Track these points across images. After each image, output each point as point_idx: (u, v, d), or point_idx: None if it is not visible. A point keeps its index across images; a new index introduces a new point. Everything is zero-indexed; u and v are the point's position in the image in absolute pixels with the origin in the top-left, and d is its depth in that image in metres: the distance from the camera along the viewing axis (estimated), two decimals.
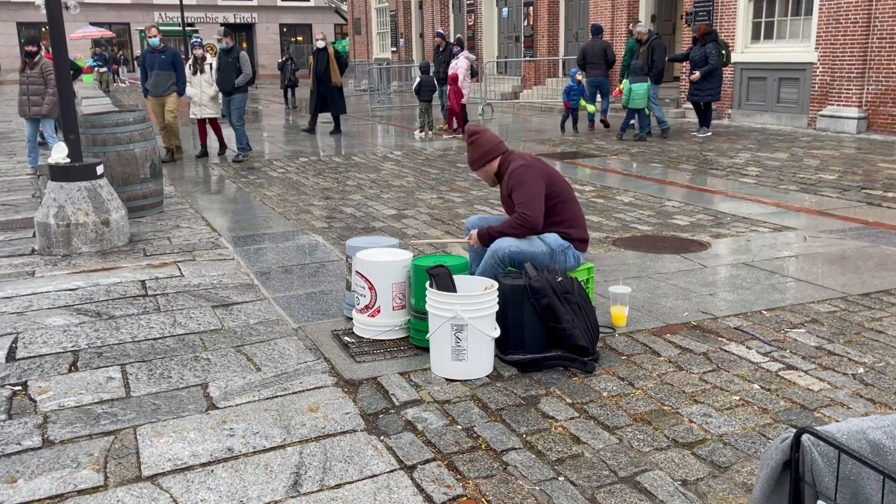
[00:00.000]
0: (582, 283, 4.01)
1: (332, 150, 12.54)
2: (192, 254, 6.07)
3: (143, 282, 5.35)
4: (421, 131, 14.07)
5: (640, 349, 3.98)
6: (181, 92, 11.06)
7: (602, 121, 14.54)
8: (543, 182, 4.09)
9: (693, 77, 12.61)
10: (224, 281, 5.34)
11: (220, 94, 11.43)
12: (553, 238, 4.16)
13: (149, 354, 4.05)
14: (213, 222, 7.23)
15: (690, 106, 14.16)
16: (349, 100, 23.56)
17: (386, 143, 13.58)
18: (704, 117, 12.97)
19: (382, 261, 4.06)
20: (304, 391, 3.56)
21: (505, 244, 4.08)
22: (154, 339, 4.28)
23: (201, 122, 11.68)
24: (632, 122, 12.72)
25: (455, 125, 14.23)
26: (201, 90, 11.43)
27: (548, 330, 3.78)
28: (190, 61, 11.47)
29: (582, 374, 3.69)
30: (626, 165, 10.16)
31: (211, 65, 11.40)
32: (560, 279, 3.79)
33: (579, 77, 13.63)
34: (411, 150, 12.36)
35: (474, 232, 4.26)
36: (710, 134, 12.86)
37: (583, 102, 13.69)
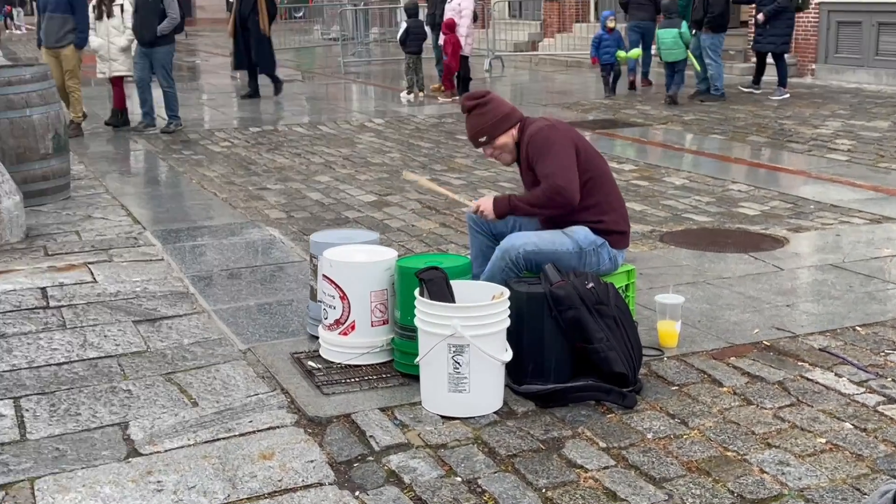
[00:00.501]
0: (620, 291, 4.03)
1: (294, 117, 12.62)
2: (109, 252, 6.09)
3: (43, 289, 5.34)
4: (409, 93, 14.13)
5: (695, 377, 3.99)
6: (80, 43, 10.65)
7: (644, 79, 14.53)
8: (573, 148, 4.13)
9: (757, 19, 12.66)
10: (150, 288, 5.35)
11: (135, 45, 11.17)
12: (582, 233, 4.16)
13: (51, 385, 4.04)
14: (135, 211, 7.23)
15: None
16: (315, 51, 23.59)
17: (363, 108, 13.62)
18: (778, 73, 13.00)
19: (358, 262, 4.06)
20: (254, 432, 3.55)
21: (519, 241, 4.09)
22: (58, 364, 4.26)
23: (116, 81, 11.54)
24: (683, 81, 12.71)
25: (455, 85, 14.21)
26: (108, 40, 11.20)
27: (575, 352, 3.79)
28: (93, 2, 11.22)
29: (619, 409, 3.69)
30: (677, 137, 10.15)
31: (122, 6, 11.16)
32: (591, 285, 3.79)
33: (611, 24, 13.52)
34: (396, 117, 12.40)
35: (485, 199, 4.24)
36: (787, 96, 12.89)
37: (621, 53, 13.55)
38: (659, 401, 3.77)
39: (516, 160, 4.34)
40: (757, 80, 13.50)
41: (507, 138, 4.26)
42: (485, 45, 18.54)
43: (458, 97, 14.04)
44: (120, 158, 9.74)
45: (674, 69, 12.70)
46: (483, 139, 4.27)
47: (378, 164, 9.14)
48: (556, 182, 4.03)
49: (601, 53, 13.60)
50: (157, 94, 11.40)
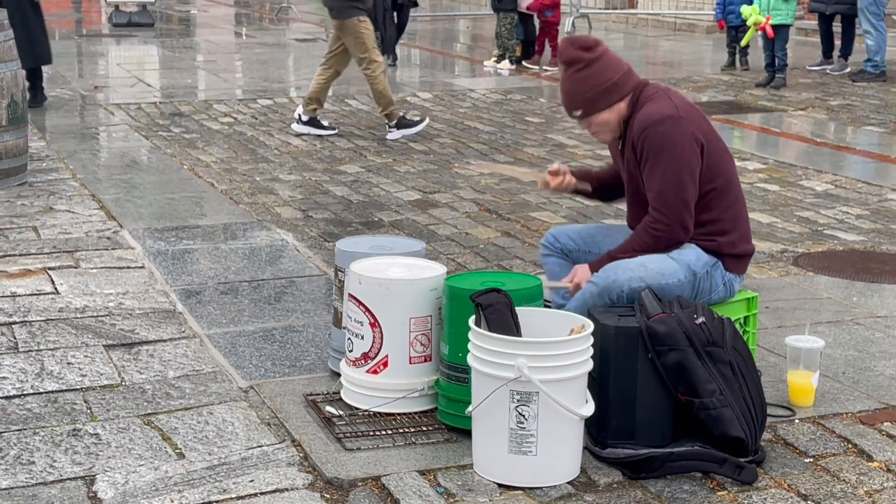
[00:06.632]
0: (738, 325, 4.01)
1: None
2: (75, 256, 6.11)
3: None
4: (500, 60, 14.03)
5: (836, 446, 3.92)
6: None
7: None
8: (697, 150, 4.14)
9: None
10: (126, 304, 5.36)
11: None
12: (693, 253, 4.18)
13: None
14: (109, 204, 7.27)
15: None
16: None
17: (405, 77, 13.48)
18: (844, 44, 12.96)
19: (394, 278, 4.06)
20: (256, 495, 3.53)
21: (622, 276, 4.06)
22: (6, 397, 4.29)
23: None
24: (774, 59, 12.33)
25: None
26: None
27: (677, 407, 3.76)
28: None
29: (734, 485, 3.62)
30: (820, 127, 10.11)
31: None
32: (701, 320, 3.75)
33: None
34: (447, 90, 12.43)
35: (580, 268, 4.24)
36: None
37: (747, 11, 12.96)
38: (787, 476, 3.69)
39: (621, 138, 4.30)
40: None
41: (611, 114, 4.23)
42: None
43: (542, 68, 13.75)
44: (91, 135, 9.77)
45: (774, 37, 12.14)
46: (578, 113, 4.26)
47: (423, 151, 9.11)
48: (662, 215, 4.09)
49: (727, 13, 13.25)
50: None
